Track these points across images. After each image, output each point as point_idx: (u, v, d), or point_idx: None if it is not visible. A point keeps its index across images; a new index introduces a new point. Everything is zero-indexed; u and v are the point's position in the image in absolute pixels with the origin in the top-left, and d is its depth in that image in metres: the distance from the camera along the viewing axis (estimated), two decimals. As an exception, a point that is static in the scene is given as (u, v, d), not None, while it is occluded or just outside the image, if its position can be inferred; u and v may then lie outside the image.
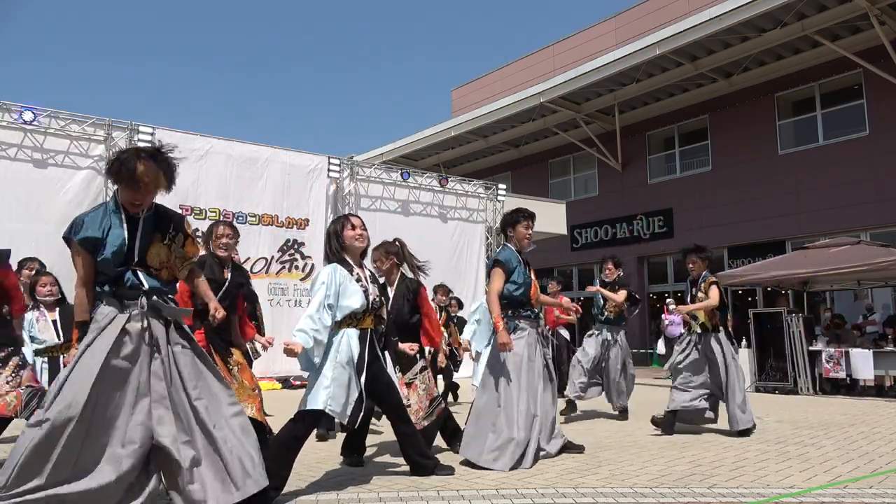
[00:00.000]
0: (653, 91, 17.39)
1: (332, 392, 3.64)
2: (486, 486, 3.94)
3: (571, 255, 20.21)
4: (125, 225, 3.02)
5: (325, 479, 4.11)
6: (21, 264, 5.96)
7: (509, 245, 4.91)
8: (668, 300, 14.34)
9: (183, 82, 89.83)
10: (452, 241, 12.54)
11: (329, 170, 11.00)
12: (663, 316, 13.96)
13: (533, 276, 4.90)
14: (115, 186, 3.09)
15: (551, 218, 15.93)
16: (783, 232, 15.56)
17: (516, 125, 19.93)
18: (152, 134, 9.41)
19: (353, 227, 3.95)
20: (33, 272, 5.79)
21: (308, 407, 3.64)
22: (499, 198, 13.29)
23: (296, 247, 10.62)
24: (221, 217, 9.88)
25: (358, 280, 3.89)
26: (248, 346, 5.39)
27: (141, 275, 3.00)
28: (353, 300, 3.81)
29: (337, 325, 3.81)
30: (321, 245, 10.81)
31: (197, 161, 9.81)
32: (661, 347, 14.07)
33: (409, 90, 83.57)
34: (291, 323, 10.27)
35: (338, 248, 3.93)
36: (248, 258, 10.04)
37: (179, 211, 9.47)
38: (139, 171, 2.91)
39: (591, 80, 16.67)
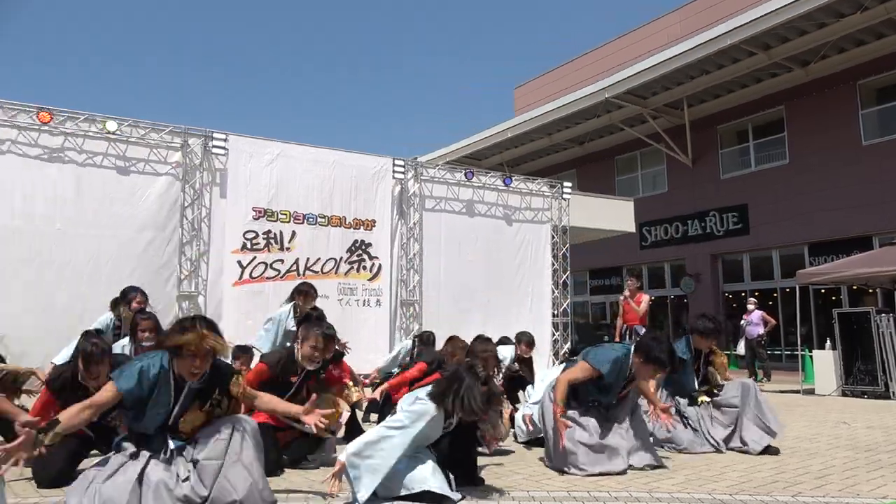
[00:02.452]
0: (724, 83, 16.76)
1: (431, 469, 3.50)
2: (558, 487, 3.88)
3: (641, 254, 19.75)
4: (173, 394, 3.12)
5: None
6: (125, 293, 6.11)
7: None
8: (750, 299, 13.80)
9: (251, 87, 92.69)
10: (517, 240, 12.44)
11: (394, 171, 11.11)
12: (744, 317, 13.45)
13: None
14: (170, 355, 3.15)
15: (618, 215, 15.57)
16: (868, 227, 14.70)
17: (580, 122, 19.62)
18: (225, 140, 9.73)
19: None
20: (141, 306, 5.87)
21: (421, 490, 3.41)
22: (564, 196, 13.10)
23: (363, 247, 10.77)
24: (292, 219, 10.14)
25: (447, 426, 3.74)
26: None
27: (169, 438, 3.13)
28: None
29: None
30: (388, 245, 11.03)
31: (268, 165, 10.09)
32: (740, 348, 13.55)
33: (472, 90, 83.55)
34: (360, 321, 10.45)
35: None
36: (319, 259, 10.27)
37: (252, 214, 9.83)
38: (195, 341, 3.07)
39: (657, 73, 16.23)
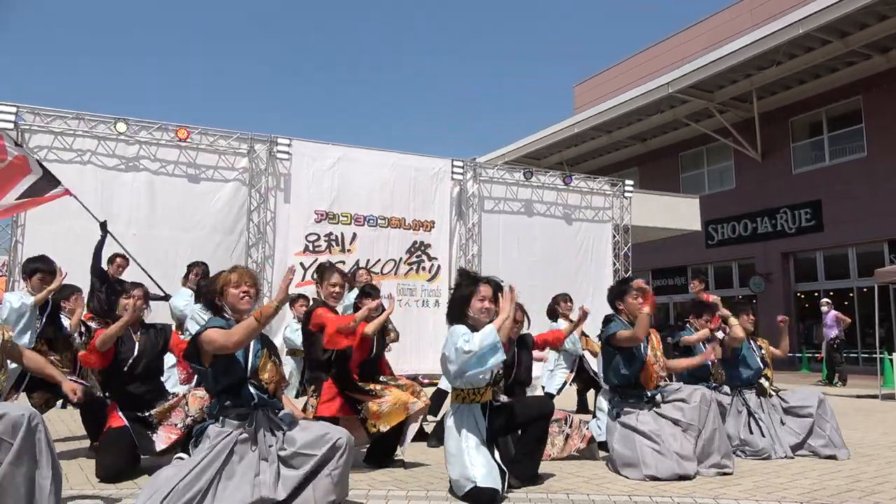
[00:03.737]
0: (796, 73, 16.05)
1: (477, 464, 3.57)
2: (619, 491, 3.82)
3: (707, 253, 19.16)
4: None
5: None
6: (189, 268, 6.73)
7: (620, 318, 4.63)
8: (823, 300, 13.17)
9: (312, 90, 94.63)
10: (577, 240, 12.28)
11: (453, 172, 11.16)
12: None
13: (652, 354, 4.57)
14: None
15: (683, 213, 15.16)
16: (956, 222, 13.81)
17: (643, 118, 19.19)
18: (289, 145, 10.00)
19: (483, 300, 3.78)
20: (198, 277, 6.46)
21: (468, 487, 3.54)
22: (625, 194, 12.84)
23: (423, 248, 10.87)
24: (353, 221, 10.34)
25: None
26: None
27: (252, 389, 3.26)
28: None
29: (458, 398, 3.81)
30: (447, 246, 11.08)
31: (329, 169, 10.32)
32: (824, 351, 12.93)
33: (531, 89, 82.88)
34: (419, 322, 10.54)
35: (460, 314, 3.82)
36: (379, 260, 10.43)
37: (314, 217, 10.08)
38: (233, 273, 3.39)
39: (725, 65, 15.69)
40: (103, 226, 6.88)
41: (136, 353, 4.35)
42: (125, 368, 4.32)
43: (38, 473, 2.84)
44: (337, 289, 4.65)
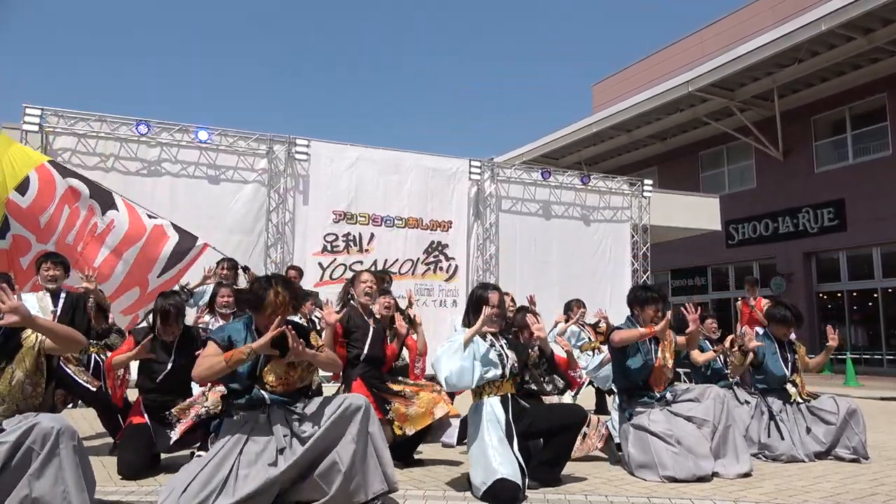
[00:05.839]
0: (818, 71, 15.81)
1: (500, 459, 3.61)
2: (637, 493, 3.80)
3: (727, 253, 18.96)
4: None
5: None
6: (218, 263, 6.70)
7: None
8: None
9: (312, 90, 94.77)
10: (595, 240, 12.23)
11: (470, 172, 11.17)
12: None
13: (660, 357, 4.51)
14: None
15: (703, 213, 15.02)
16: (985, 221, 13.53)
17: (662, 117, 19.02)
18: (307, 146, 10.08)
19: (493, 307, 3.91)
20: (224, 271, 6.43)
21: (491, 481, 3.56)
22: (644, 194, 12.76)
23: (440, 248, 10.89)
24: (370, 221, 10.39)
25: (491, 345, 3.93)
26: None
27: (263, 392, 3.31)
28: (489, 370, 3.85)
29: (476, 395, 3.90)
30: (464, 247, 11.09)
31: (347, 169, 10.39)
32: None
33: (549, 89, 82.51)
34: (437, 322, 10.55)
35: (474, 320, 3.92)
36: (397, 260, 10.47)
37: (332, 217, 10.13)
38: (270, 298, 3.32)
39: (745, 63, 15.49)
40: (245, 269, 6.91)
41: (168, 367, 4.40)
42: (157, 379, 4.39)
43: (69, 487, 2.77)
44: (367, 285, 4.71)
